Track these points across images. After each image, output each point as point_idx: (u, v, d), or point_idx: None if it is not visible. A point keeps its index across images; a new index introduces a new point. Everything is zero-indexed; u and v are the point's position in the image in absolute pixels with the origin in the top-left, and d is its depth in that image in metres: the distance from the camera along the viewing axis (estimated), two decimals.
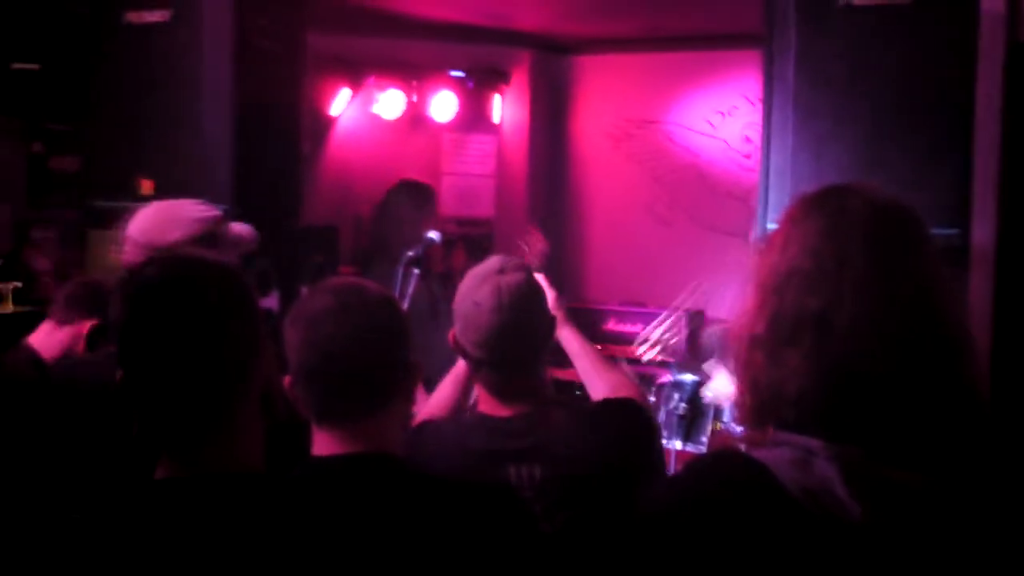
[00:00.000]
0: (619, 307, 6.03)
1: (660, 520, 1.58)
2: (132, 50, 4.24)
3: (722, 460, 1.64)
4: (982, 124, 3.24)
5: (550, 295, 2.78)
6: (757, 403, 1.56)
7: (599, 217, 6.43)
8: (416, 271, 4.00)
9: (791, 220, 1.64)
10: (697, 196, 6.10)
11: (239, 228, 3.06)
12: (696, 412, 4.73)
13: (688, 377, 4.66)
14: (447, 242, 5.34)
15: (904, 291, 1.52)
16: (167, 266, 1.89)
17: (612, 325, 6.08)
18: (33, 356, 3.33)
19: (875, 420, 1.49)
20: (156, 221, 2.86)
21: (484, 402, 2.46)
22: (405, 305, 3.63)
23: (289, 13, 4.67)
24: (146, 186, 4.17)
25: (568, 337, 2.80)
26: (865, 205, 1.58)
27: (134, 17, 4.20)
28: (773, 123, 3.57)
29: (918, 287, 1.53)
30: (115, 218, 4.13)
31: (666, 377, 4.71)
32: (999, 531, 1.53)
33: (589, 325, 6.10)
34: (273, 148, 4.44)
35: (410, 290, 3.95)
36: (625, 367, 3.44)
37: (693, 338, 5.57)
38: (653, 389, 4.71)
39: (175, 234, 2.79)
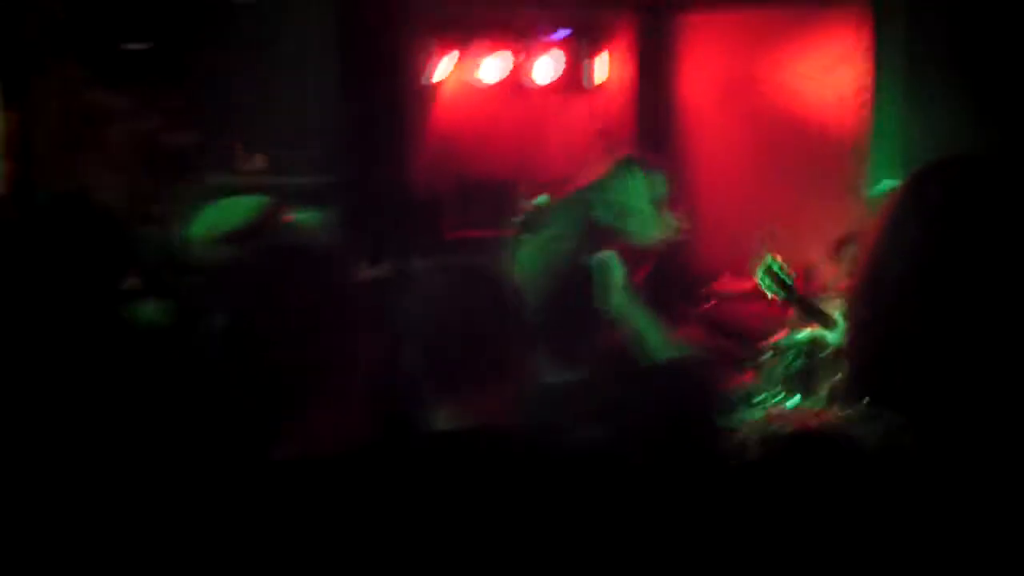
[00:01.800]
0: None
1: None
2: (238, 28, 4.32)
3: (811, 438, 1.66)
4: None
5: (619, 272, 2.87)
6: (850, 368, 1.62)
7: (708, 177, 6.37)
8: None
9: (891, 196, 1.72)
10: (808, 152, 6.00)
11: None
12: (814, 366, 4.68)
13: (803, 333, 4.60)
14: None
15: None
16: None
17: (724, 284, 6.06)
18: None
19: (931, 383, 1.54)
20: (210, 216, 2.95)
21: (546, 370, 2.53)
22: None
23: None
24: (255, 161, 4.27)
25: (635, 312, 2.87)
26: (941, 187, 1.64)
27: None
28: (883, 80, 3.52)
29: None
30: (230, 192, 4.26)
31: (782, 334, 4.66)
32: None
33: (701, 282, 6.10)
34: (379, 120, 4.50)
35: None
36: None
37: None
38: (766, 349, 4.66)
39: (229, 224, 2.88)
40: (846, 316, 1.69)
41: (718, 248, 6.18)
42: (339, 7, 4.31)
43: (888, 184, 3.02)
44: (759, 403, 4.56)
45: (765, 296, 5.55)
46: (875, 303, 1.59)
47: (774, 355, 4.64)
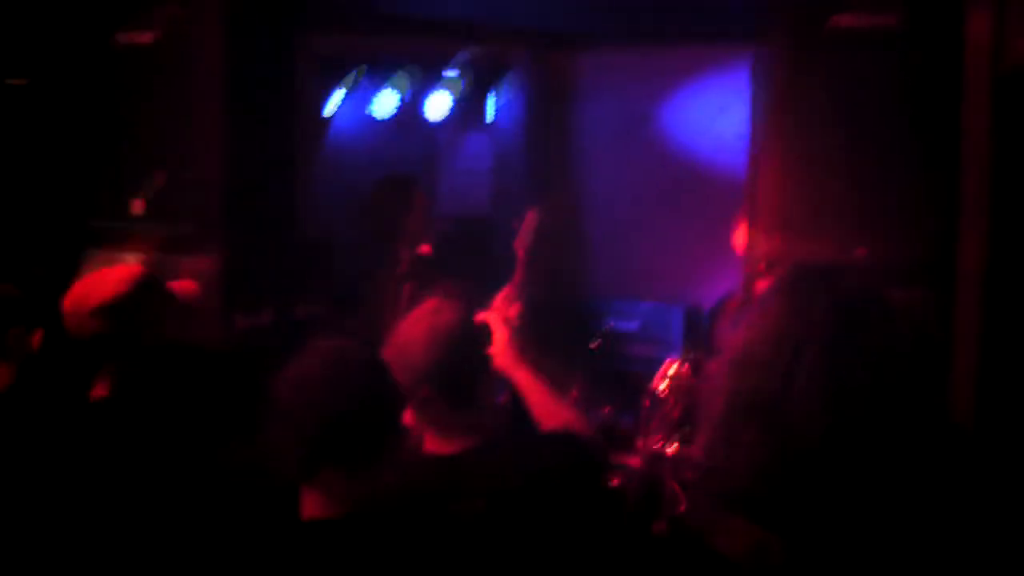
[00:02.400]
0: (618, 304, 6.09)
1: None
2: (121, 69, 4.25)
3: (682, 548, 1.68)
4: (970, 152, 3.23)
5: (500, 336, 2.90)
6: (714, 483, 1.61)
7: (598, 213, 6.42)
8: (410, 285, 4.02)
9: (758, 302, 1.69)
10: (695, 192, 6.08)
11: (180, 286, 3.15)
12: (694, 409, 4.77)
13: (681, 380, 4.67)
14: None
15: (854, 383, 1.54)
16: None
17: (611, 322, 6.12)
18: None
19: (818, 508, 1.52)
20: (80, 289, 2.93)
21: (428, 440, 2.56)
22: None
23: (281, 20, 4.67)
24: (137, 206, 4.20)
25: (520, 377, 2.89)
26: (831, 296, 1.61)
27: (123, 38, 4.21)
28: (759, 145, 3.58)
29: (871, 381, 1.56)
30: (111, 237, 4.19)
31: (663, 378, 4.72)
32: None
33: (590, 319, 6.16)
34: (267, 161, 4.45)
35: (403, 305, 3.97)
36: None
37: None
38: (647, 392, 4.73)
39: (98, 298, 2.86)
40: (706, 420, 1.67)
41: (611, 286, 6.25)
42: (226, 45, 4.24)
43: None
44: (641, 447, 4.66)
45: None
46: (762, 421, 1.57)
47: (656, 398, 4.72)
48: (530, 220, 4.00)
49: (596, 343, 6.08)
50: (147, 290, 2.94)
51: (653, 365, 5.30)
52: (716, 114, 6.00)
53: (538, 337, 4.74)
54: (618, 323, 6.10)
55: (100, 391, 2.75)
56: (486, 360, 2.78)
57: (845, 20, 3.41)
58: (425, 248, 4.81)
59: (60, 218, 4.49)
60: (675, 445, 4.64)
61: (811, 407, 1.52)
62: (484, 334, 2.87)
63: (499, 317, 3.19)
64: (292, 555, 2.00)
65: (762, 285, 1.77)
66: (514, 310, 3.77)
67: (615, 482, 4.85)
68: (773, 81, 3.56)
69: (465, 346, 2.65)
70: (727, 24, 4.83)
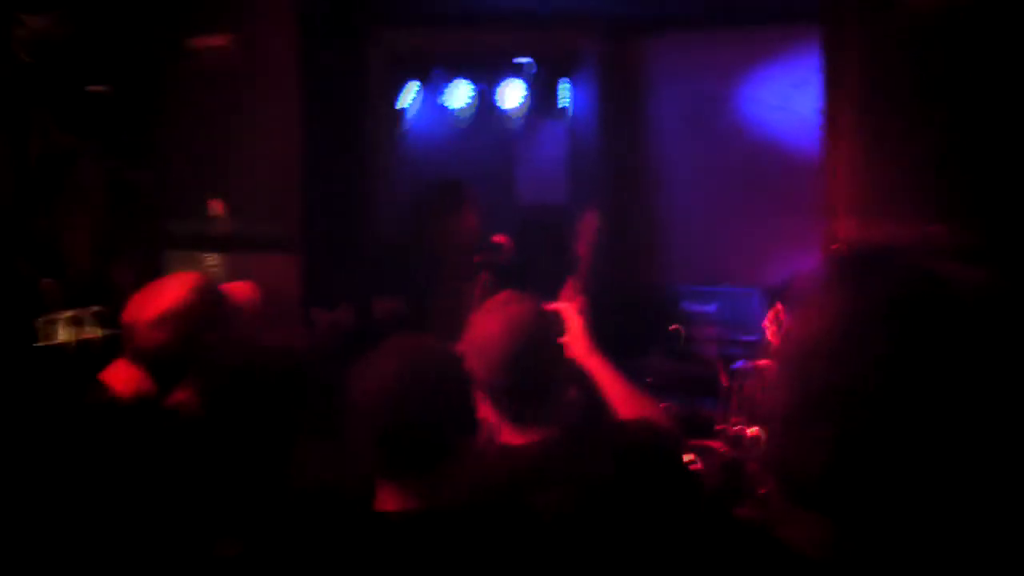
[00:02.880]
0: (694, 287, 6.08)
1: None
2: (198, 74, 4.34)
3: (751, 537, 1.67)
4: None
5: (574, 325, 2.92)
6: (786, 477, 1.59)
7: (673, 198, 6.40)
8: (485, 279, 4.03)
9: (819, 291, 1.65)
10: (772, 173, 6.03)
11: (237, 289, 3.20)
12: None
13: (762, 363, 4.64)
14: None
15: (925, 368, 1.50)
16: None
17: (687, 305, 6.11)
18: (111, 399, 3.43)
19: (892, 500, 1.49)
20: (137, 301, 3.00)
21: (504, 432, 2.56)
22: None
23: (352, 13, 4.73)
24: (216, 207, 4.28)
25: (595, 366, 2.91)
26: (892, 280, 1.58)
27: (198, 42, 4.29)
28: (833, 129, 3.54)
29: (943, 365, 1.51)
30: (190, 240, 4.28)
31: (740, 363, 4.70)
32: None
33: (665, 306, 6.15)
34: (343, 159, 4.52)
35: (478, 300, 3.97)
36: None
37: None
38: (727, 375, 4.72)
39: (155, 309, 2.93)
40: (776, 417, 1.64)
41: (686, 271, 6.23)
42: (300, 46, 4.31)
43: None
44: (722, 430, 4.65)
45: None
46: (830, 413, 1.55)
47: (736, 381, 4.70)
48: (588, 223, 3.99)
49: (675, 327, 6.08)
50: (204, 297, 3.00)
51: (731, 347, 5.30)
52: (792, 93, 5.94)
53: (610, 327, 4.77)
54: (696, 306, 6.09)
55: (177, 398, 2.82)
56: (560, 351, 2.79)
57: None
58: (500, 239, 4.81)
59: (142, 221, 4.61)
60: (755, 427, 4.64)
61: (879, 396, 1.49)
62: (557, 324, 2.89)
63: (571, 307, 3.22)
64: (369, 548, 2.03)
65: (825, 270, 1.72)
66: (580, 302, 3.79)
67: (696, 467, 4.86)
68: (842, 60, 3.52)
69: (539, 337, 2.64)
70: (797, 2, 4.76)
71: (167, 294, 2.98)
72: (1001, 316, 2.00)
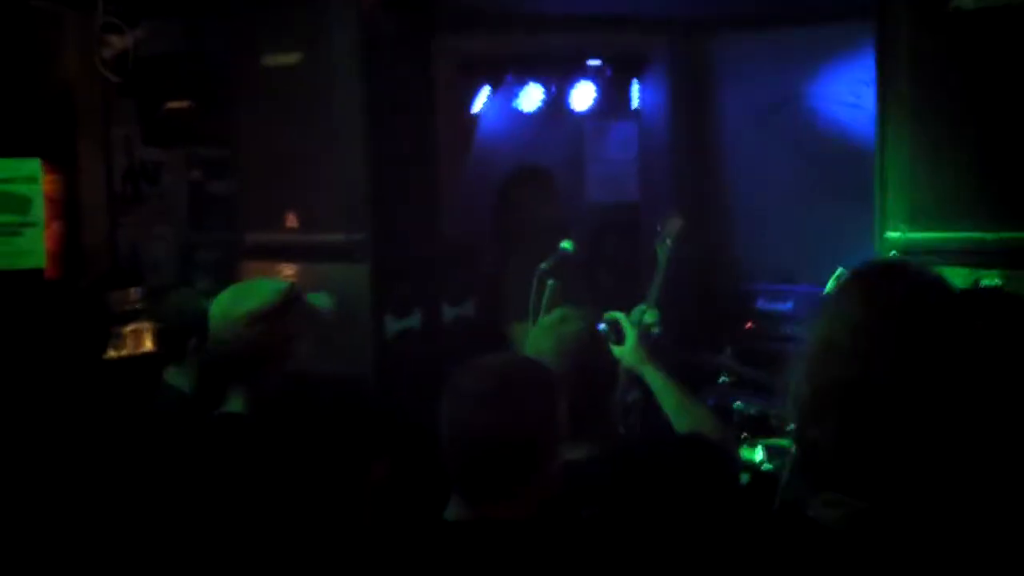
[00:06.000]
0: (769, 286, 6.09)
1: None
2: (270, 89, 4.48)
3: (782, 517, 1.77)
4: None
5: (630, 336, 2.98)
6: (805, 460, 1.75)
7: (746, 196, 6.40)
8: (551, 283, 4.06)
9: (838, 290, 1.82)
10: (844, 169, 6.00)
11: (317, 300, 3.30)
12: None
13: None
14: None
15: (928, 370, 1.64)
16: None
17: (762, 303, 6.12)
18: (180, 394, 3.60)
19: (897, 487, 1.62)
20: (230, 296, 3.11)
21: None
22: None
23: (417, 25, 4.82)
24: (290, 219, 4.42)
25: (651, 374, 2.96)
26: (905, 285, 1.73)
27: (269, 60, 4.43)
28: (887, 130, 3.54)
29: (944, 367, 1.65)
30: (266, 251, 4.43)
31: None
32: None
33: (739, 303, 6.17)
34: (411, 168, 4.62)
35: (545, 303, 4.01)
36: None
37: None
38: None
39: (248, 306, 3.04)
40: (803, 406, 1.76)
41: (758, 269, 6.23)
42: (365, 58, 4.42)
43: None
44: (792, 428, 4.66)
45: None
46: (846, 404, 1.68)
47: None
48: (672, 225, 4.00)
49: (749, 325, 6.09)
50: (293, 303, 3.12)
51: None
52: (862, 90, 5.90)
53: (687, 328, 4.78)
54: (771, 305, 6.09)
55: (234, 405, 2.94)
56: (614, 368, 2.84)
57: None
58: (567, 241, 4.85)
59: (221, 233, 4.78)
60: None
61: (888, 389, 1.62)
62: (613, 338, 2.92)
63: (630, 318, 3.27)
64: (432, 555, 2.08)
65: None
66: (651, 317, 3.80)
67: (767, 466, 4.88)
68: (893, 63, 3.53)
69: (590, 358, 2.69)
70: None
71: (257, 294, 3.11)
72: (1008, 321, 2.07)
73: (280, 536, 2.15)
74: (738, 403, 5.29)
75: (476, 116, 6.15)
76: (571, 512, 2.42)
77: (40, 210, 4.55)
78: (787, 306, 6.08)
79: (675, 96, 6.41)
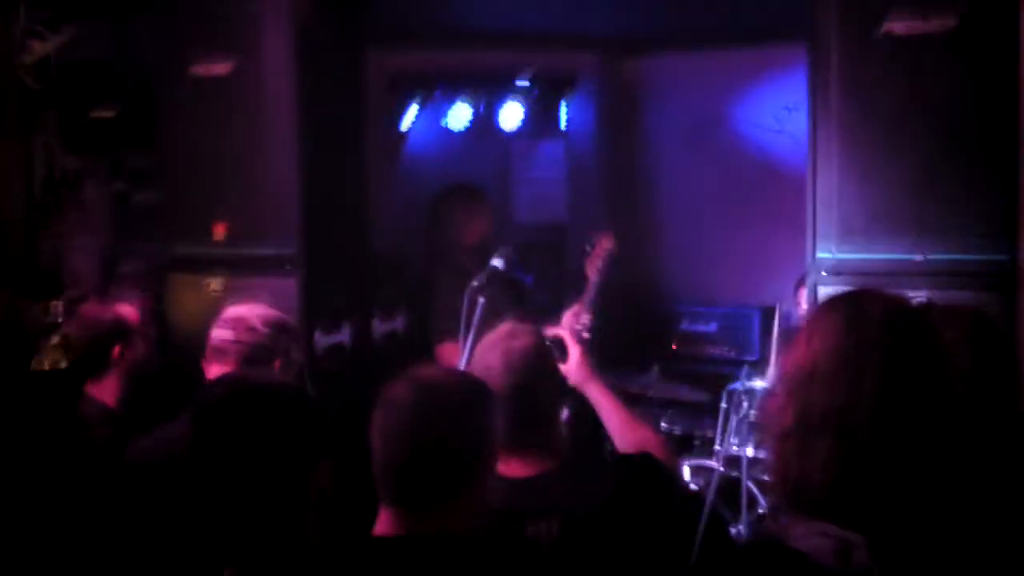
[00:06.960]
0: (693, 307, 6.16)
1: None
2: (199, 98, 4.41)
3: (763, 550, 1.77)
4: None
5: (574, 352, 2.98)
6: (789, 490, 1.73)
7: (671, 218, 6.45)
8: (482, 300, 4.04)
9: (814, 319, 1.82)
10: (768, 192, 6.08)
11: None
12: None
13: (758, 384, 4.70)
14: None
15: (915, 387, 1.68)
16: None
17: (686, 325, 6.18)
18: (104, 409, 3.52)
19: (895, 508, 1.63)
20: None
21: (501, 463, 2.58)
22: (471, 337, 3.68)
23: (349, 38, 4.80)
24: (219, 231, 4.35)
25: (595, 392, 2.96)
26: (881, 309, 1.75)
27: (199, 69, 4.36)
28: (818, 152, 3.60)
29: (929, 383, 1.69)
30: (193, 263, 4.35)
31: (736, 384, 4.76)
32: None
33: (665, 325, 6.22)
34: (341, 179, 4.58)
35: (476, 320, 4.00)
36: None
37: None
38: (724, 395, 4.78)
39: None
40: (775, 434, 1.76)
41: (686, 290, 6.29)
42: (297, 70, 4.39)
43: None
44: (718, 448, 4.70)
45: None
46: (834, 431, 1.67)
47: (731, 401, 4.76)
48: (603, 245, 4.06)
49: (674, 346, 6.14)
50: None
51: (730, 367, 5.36)
52: (786, 113, 6.00)
53: (612, 348, 4.81)
54: (695, 326, 6.15)
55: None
56: (560, 382, 2.83)
57: (899, 22, 3.43)
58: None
59: (145, 243, 4.69)
60: (751, 447, 4.70)
61: (873, 413, 1.65)
62: (557, 355, 2.92)
63: (572, 333, 3.27)
64: (361, 572, 2.05)
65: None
66: (584, 322, 3.85)
67: (692, 486, 4.92)
68: (826, 83, 3.59)
69: (539, 371, 2.67)
70: (787, 23, 4.83)
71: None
72: (977, 340, 2.12)
73: (224, 544, 2.09)
74: (663, 423, 5.35)
75: (405, 133, 6.15)
76: (515, 529, 2.41)
77: None
78: (711, 327, 6.15)
79: (603, 116, 6.45)
